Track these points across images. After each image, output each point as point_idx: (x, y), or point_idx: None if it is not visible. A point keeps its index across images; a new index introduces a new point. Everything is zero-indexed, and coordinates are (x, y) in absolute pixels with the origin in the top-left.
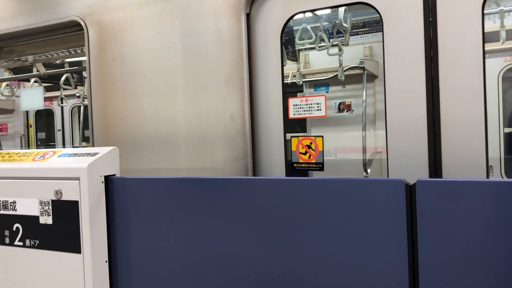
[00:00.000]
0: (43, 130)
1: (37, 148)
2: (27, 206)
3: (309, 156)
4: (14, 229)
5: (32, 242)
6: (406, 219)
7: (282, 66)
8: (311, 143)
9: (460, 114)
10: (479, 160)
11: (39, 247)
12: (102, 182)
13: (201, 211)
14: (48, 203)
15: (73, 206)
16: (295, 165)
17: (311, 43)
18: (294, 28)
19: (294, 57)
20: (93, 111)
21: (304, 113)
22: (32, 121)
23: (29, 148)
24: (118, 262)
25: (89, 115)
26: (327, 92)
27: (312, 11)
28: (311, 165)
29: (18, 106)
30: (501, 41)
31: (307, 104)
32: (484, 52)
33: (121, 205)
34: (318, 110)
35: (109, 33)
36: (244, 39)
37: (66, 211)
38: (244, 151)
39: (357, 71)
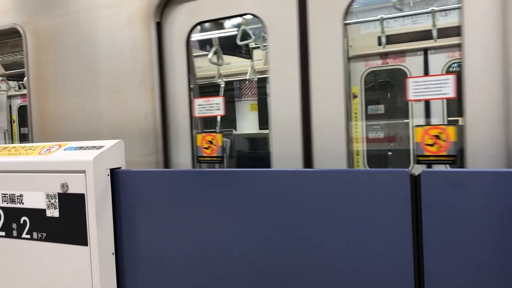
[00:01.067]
0: (26, 125)
1: (20, 143)
2: (34, 199)
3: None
4: (22, 222)
5: (39, 235)
6: (411, 209)
7: (189, 69)
8: (212, 139)
9: (327, 113)
10: (341, 152)
11: (46, 239)
12: (108, 175)
13: (206, 202)
14: (55, 196)
15: (80, 199)
16: (199, 158)
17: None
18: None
19: (249, 55)
20: (32, 110)
21: (207, 112)
22: (15, 116)
23: (12, 143)
24: (125, 254)
25: (28, 114)
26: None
27: (211, 21)
28: (214, 159)
29: (1, 102)
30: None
31: (209, 104)
32: (347, 58)
33: (127, 198)
34: (217, 109)
35: (44, 39)
36: (154, 45)
37: (72, 204)
38: (155, 147)
39: None
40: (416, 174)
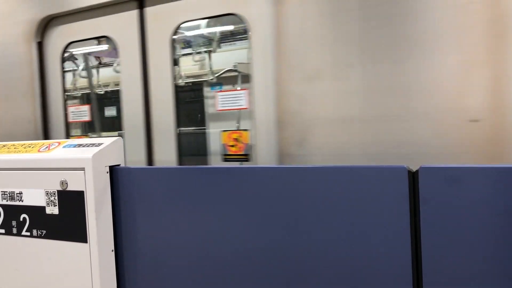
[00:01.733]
0: None
1: None
2: (34, 197)
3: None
4: (21, 219)
5: (39, 232)
6: (409, 206)
7: (63, 82)
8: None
9: (161, 119)
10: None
11: (46, 237)
12: (107, 172)
13: (205, 199)
14: (54, 194)
15: (79, 196)
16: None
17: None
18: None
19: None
20: None
21: (77, 118)
22: None
23: None
24: (124, 251)
25: None
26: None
27: (80, 41)
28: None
29: None
30: None
31: (78, 110)
32: (173, 72)
33: (126, 195)
34: (85, 116)
35: None
36: (35, 61)
37: (72, 201)
38: None
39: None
40: (414, 170)
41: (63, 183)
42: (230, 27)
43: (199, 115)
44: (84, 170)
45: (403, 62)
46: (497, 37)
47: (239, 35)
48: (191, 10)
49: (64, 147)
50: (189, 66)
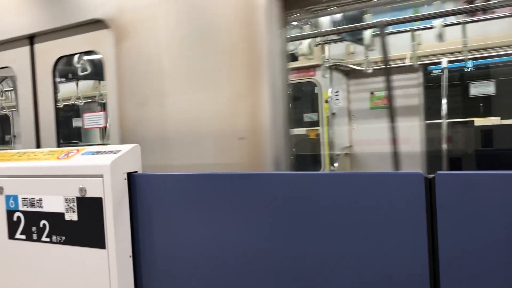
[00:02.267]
0: None
1: None
2: (53, 203)
3: None
4: (41, 225)
5: (58, 238)
6: (425, 213)
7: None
8: None
9: (46, 135)
10: None
11: (65, 243)
12: (125, 179)
13: (222, 205)
14: (73, 200)
15: (97, 202)
16: None
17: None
18: None
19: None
20: None
21: None
22: None
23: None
24: (142, 257)
25: None
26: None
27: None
28: None
29: None
30: None
31: None
32: (55, 96)
33: (144, 201)
34: None
35: None
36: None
37: (90, 208)
38: None
39: None
40: (431, 176)
41: (82, 189)
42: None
43: (75, 131)
44: (102, 177)
45: (199, 92)
46: (255, 75)
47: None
48: (66, 47)
49: (82, 154)
50: (67, 91)
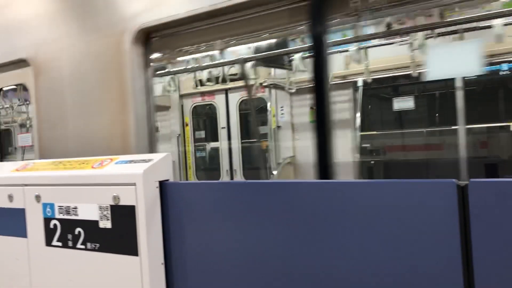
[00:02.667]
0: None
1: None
2: (88, 211)
3: None
4: (76, 233)
5: (92, 245)
6: (458, 221)
7: None
8: None
9: None
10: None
11: (100, 250)
12: (157, 187)
13: (252, 214)
14: (107, 208)
15: (130, 210)
16: None
17: None
18: None
19: None
20: None
21: None
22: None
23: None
24: (173, 264)
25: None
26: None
27: None
28: None
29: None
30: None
31: None
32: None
33: (175, 209)
34: None
35: None
36: None
37: (123, 216)
38: None
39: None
40: (463, 184)
41: (116, 198)
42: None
43: (15, 148)
44: (135, 185)
45: (90, 118)
46: (124, 106)
47: None
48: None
49: (116, 163)
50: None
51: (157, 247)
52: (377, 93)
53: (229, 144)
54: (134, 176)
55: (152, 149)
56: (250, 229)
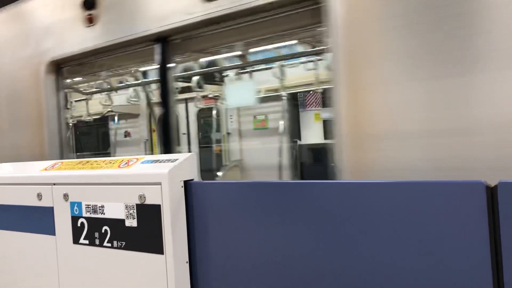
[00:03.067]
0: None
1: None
2: (114, 210)
3: None
4: (103, 231)
5: (119, 243)
6: (488, 223)
7: None
8: None
9: None
10: None
11: (126, 248)
12: (182, 187)
13: (277, 214)
14: (133, 207)
15: (156, 209)
16: None
17: None
18: None
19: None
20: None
21: None
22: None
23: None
24: (198, 262)
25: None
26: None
27: None
28: None
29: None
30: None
31: None
32: None
33: (200, 208)
34: None
35: None
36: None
37: (149, 214)
38: None
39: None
40: (493, 185)
41: (141, 197)
42: None
43: None
44: (161, 184)
45: (18, 132)
46: (40, 122)
47: None
48: None
49: (142, 162)
50: None
51: (182, 245)
52: None
53: (189, 148)
54: (159, 176)
55: (62, 155)
56: (274, 229)
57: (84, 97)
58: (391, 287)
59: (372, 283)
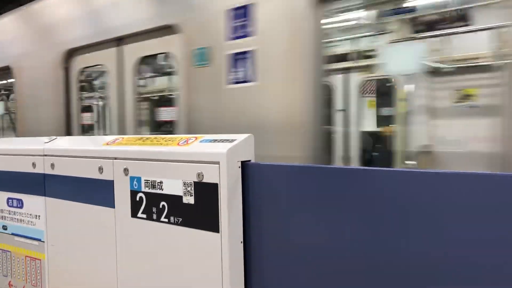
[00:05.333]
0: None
1: None
2: (172, 186)
3: None
4: (161, 206)
5: (175, 219)
6: None
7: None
8: None
9: None
10: None
11: (182, 224)
12: (239, 167)
13: (331, 198)
14: (191, 184)
15: (213, 188)
16: None
17: None
18: None
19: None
20: None
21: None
22: None
23: None
24: (252, 243)
25: None
26: None
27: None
28: None
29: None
30: None
31: None
32: None
33: (255, 189)
34: None
35: None
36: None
37: (206, 193)
38: None
39: None
40: None
41: (199, 175)
42: None
43: None
44: (219, 164)
45: None
46: None
47: None
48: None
49: (200, 141)
50: None
51: (237, 225)
52: None
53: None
54: (218, 155)
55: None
56: (331, 215)
57: None
58: (434, 275)
59: (426, 273)
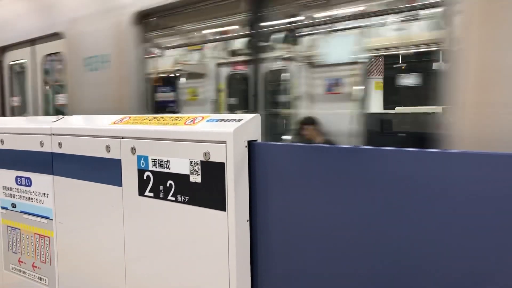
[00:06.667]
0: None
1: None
2: (179, 165)
3: None
4: (168, 185)
5: (182, 198)
6: None
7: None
8: None
9: None
10: None
11: (189, 203)
12: (246, 147)
13: (337, 179)
14: (198, 164)
15: (220, 167)
16: None
17: None
18: None
19: None
20: None
21: None
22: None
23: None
24: (258, 222)
25: None
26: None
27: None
28: None
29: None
30: None
31: None
32: None
33: (262, 169)
34: None
35: None
36: None
37: (213, 172)
38: None
39: None
40: None
41: (206, 154)
42: None
43: None
44: (225, 143)
45: None
46: None
47: None
48: None
49: (207, 121)
50: None
51: (243, 204)
52: None
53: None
54: (225, 135)
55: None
56: (334, 194)
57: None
58: (450, 258)
59: (434, 253)
